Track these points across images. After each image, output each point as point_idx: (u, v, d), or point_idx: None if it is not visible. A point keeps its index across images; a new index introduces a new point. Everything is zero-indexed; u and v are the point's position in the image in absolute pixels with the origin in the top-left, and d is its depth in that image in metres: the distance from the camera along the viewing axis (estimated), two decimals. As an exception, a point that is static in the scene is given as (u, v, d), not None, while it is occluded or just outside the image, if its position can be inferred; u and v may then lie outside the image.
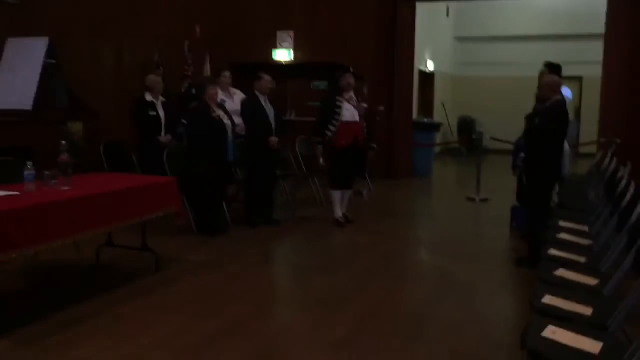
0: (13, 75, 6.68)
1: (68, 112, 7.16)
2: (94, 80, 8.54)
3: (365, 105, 6.82)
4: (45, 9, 7.77)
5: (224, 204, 6.51)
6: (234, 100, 7.29)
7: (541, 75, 6.05)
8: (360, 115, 6.61)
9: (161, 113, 7.17)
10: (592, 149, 10.76)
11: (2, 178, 4.53)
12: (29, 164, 4.23)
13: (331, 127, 6.54)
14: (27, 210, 3.63)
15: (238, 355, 3.36)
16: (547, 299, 2.91)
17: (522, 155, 5.37)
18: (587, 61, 15.52)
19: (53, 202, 3.85)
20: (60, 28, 7.86)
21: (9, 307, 4.04)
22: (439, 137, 13.20)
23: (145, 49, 9.36)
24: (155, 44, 9.17)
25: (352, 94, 6.64)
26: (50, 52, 6.86)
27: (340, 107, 6.53)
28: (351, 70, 6.85)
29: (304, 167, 8.13)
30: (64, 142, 4.52)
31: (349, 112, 6.55)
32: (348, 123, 6.53)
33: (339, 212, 6.86)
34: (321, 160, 7.07)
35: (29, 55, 6.81)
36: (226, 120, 6.18)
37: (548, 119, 5.03)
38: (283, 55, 11.23)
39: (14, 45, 6.90)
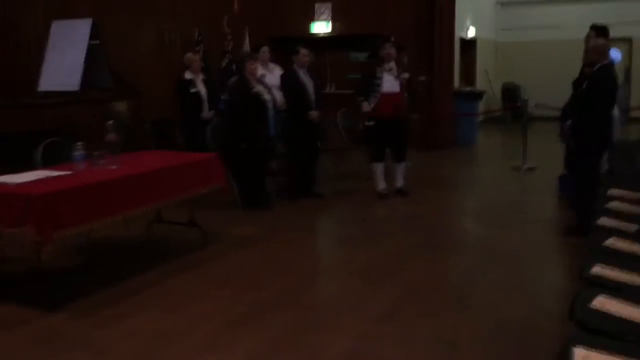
0: (59, 57, 6.82)
1: (113, 92, 7.29)
2: (136, 60, 8.64)
3: (406, 75, 6.71)
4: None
5: (267, 178, 6.56)
6: (274, 74, 7.30)
7: (587, 38, 5.86)
8: (401, 86, 6.54)
9: (202, 90, 7.24)
10: (643, 113, 10.41)
11: (52, 158, 4.67)
12: (79, 144, 4.34)
13: (371, 99, 6.50)
14: (78, 190, 3.75)
15: (285, 327, 3.42)
16: (597, 269, 2.86)
17: (569, 122, 5.22)
18: (637, 21, 14.96)
19: (102, 181, 3.96)
20: (102, 9, 7.97)
21: (65, 283, 4.20)
22: (482, 105, 12.97)
23: (185, 27, 9.41)
24: (194, 21, 9.20)
25: (392, 64, 6.57)
26: (93, 33, 6.98)
27: (380, 79, 6.47)
28: (392, 40, 6.72)
29: (345, 139, 8.10)
30: (110, 121, 4.62)
31: (390, 83, 6.49)
32: (388, 94, 6.48)
33: (381, 184, 6.84)
34: (368, 122, 6.89)
35: (74, 37, 6.93)
36: (266, 95, 6.20)
37: (595, 84, 4.88)
38: (321, 27, 11.16)
39: (59, 27, 7.03)
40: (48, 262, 3.87)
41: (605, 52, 4.96)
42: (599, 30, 5.93)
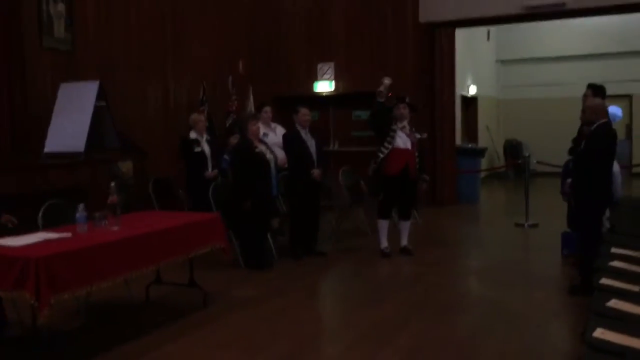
0: (66, 119, 6.94)
1: (118, 152, 7.39)
2: (142, 120, 8.78)
3: (418, 135, 6.77)
4: (95, 53, 8.08)
5: (269, 238, 6.56)
6: (277, 133, 7.39)
7: (585, 97, 5.94)
8: (412, 144, 6.60)
9: (206, 149, 7.34)
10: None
11: (54, 220, 4.69)
12: (81, 205, 4.37)
13: (383, 150, 6.54)
14: (77, 252, 3.75)
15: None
16: (599, 332, 2.81)
17: (569, 180, 5.24)
18: (636, 79, 15.17)
19: (103, 243, 3.96)
20: (109, 71, 8.15)
21: (61, 347, 4.14)
22: (484, 162, 13.02)
23: (191, 87, 9.60)
24: (200, 81, 9.39)
25: (405, 123, 6.65)
26: (100, 95, 7.12)
27: (394, 132, 6.54)
28: (406, 100, 6.80)
29: (348, 197, 8.12)
30: (113, 183, 4.66)
31: (401, 140, 6.56)
32: (399, 150, 6.54)
33: (384, 242, 6.82)
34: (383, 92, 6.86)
35: (81, 99, 7.07)
36: (269, 155, 6.27)
37: (593, 141, 4.92)
38: (324, 86, 11.36)
39: (66, 89, 7.19)
40: (44, 325, 3.82)
41: (602, 111, 5.01)
42: (596, 90, 6.02)
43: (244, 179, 6.11)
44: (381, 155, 6.56)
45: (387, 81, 6.64)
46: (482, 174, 13.39)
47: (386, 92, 6.62)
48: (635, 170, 13.15)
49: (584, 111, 5.19)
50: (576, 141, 5.91)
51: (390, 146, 6.53)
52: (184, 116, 8.74)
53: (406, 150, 6.56)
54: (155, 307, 5.08)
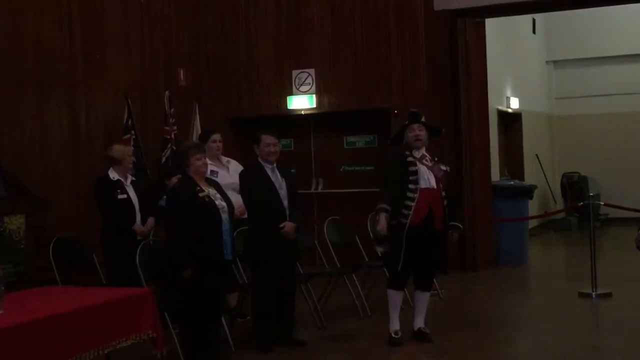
0: None
1: (3, 204, 7.39)
2: (39, 155, 8.76)
3: (444, 167, 6.80)
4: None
5: (224, 321, 6.51)
6: (230, 170, 7.44)
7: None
8: (437, 180, 6.66)
9: (132, 195, 7.35)
10: None
11: None
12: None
13: (408, 202, 6.54)
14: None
15: None
16: None
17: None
18: None
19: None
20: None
21: None
22: (534, 206, 13.12)
23: (110, 107, 9.63)
24: (123, 99, 9.43)
25: (424, 151, 6.73)
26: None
27: (415, 165, 6.59)
28: (422, 118, 6.88)
29: (337, 260, 8.12)
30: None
31: (422, 175, 6.62)
32: (423, 190, 6.59)
33: (395, 324, 6.78)
34: (381, 246, 6.95)
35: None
36: (219, 201, 6.28)
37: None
38: (302, 102, 11.45)
39: None
40: None
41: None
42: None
43: (182, 236, 6.11)
44: (410, 203, 6.52)
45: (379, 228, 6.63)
46: (531, 223, 13.45)
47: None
48: None
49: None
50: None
51: (415, 186, 6.54)
52: (100, 148, 8.74)
53: (430, 190, 6.61)
54: None
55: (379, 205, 6.66)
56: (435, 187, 6.63)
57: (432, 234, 6.62)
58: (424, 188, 6.58)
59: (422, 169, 6.63)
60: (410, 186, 6.57)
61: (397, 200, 6.58)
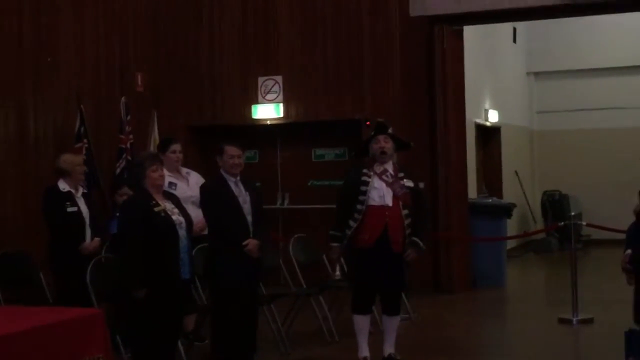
0: None
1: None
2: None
3: (409, 184, 6.81)
4: None
5: (180, 345, 6.48)
6: (190, 182, 7.40)
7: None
8: (395, 198, 6.68)
9: (83, 208, 7.30)
10: None
11: None
12: None
13: (353, 219, 6.61)
14: None
15: None
16: None
17: (629, 252, 5.37)
18: None
19: None
20: None
21: None
22: (512, 225, 13.17)
23: (61, 113, 9.56)
24: (76, 105, 9.37)
25: (388, 165, 6.75)
26: None
27: (366, 184, 6.62)
28: (389, 130, 6.89)
29: (302, 281, 8.11)
30: None
31: (377, 192, 6.65)
32: (374, 208, 6.62)
33: (364, 350, 6.81)
34: (337, 271, 7.07)
35: None
36: (176, 216, 6.24)
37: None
38: (268, 111, 11.45)
39: None
40: None
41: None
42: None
43: (136, 254, 6.06)
44: (352, 224, 6.62)
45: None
46: (510, 244, 13.51)
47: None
48: None
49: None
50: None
51: (361, 209, 6.60)
52: (49, 157, 8.67)
53: (384, 208, 6.64)
54: None
55: (330, 232, 6.77)
56: (391, 205, 6.65)
57: (390, 255, 6.65)
58: (377, 206, 6.62)
59: (380, 185, 6.66)
60: (358, 206, 6.62)
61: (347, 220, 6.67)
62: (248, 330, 6.77)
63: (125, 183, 7.93)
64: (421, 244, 6.81)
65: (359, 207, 6.62)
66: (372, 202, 6.62)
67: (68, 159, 7.44)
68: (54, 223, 7.27)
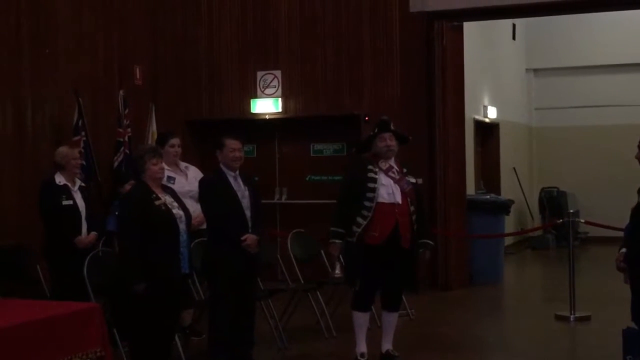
0: None
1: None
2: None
3: (413, 180, 6.85)
4: None
5: (177, 340, 6.48)
6: (189, 177, 7.40)
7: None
8: (403, 194, 6.68)
9: (79, 201, 7.30)
10: None
11: None
12: None
13: (362, 216, 6.59)
14: None
15: None
16: None
17: (623, 251, 5.38)
18: None
19: None
20: None
21: None
22: (510, 222, 13.19)
23: (59, 106, 9.55)
24: (74, 98, 9.36)
25: (392, 162, 6.75)
26: None
27: (374, 181, 6.62)
28: (392, 127, 6.90)
29: (300, 276, 8.11)
30: None
31: (386, 189, 6.65)
32: (384, 205, 6.62)
33: (361, 346, 6.82)
34: (337, 269, 7.07)
35: None
36: (176, 210, 6.25)
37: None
38: (267, 106, 11.45)
39: None
40: None
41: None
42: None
43: (135, 248, 6.06)
44: (361, 221, 6.59)
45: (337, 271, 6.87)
46: (507, 240, 13.54)
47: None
48: None
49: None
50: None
51: (370, 207, 6.59)
52: (47, 150, 8.66)
53: (394, 205, 6.64)
54: None
55: (332, 228, 6.73)
56: (400, 202, 6.66)
57: (399, 252, 6.65)
58: (387, 203, 6.62)
59: (388, 182, 6.66)
60: (366, 203, 6.61)
61: (353, 217, 6.64)
62: (245, 326, 6.76)
63: (130, 176, 7.90)
64: (431, 242, 7.06)
65: (367, 204, 6.60)
66: (381, 199, 6.61)
67: (63, 152, 7.44)
68: (49, 216, 7.26)
